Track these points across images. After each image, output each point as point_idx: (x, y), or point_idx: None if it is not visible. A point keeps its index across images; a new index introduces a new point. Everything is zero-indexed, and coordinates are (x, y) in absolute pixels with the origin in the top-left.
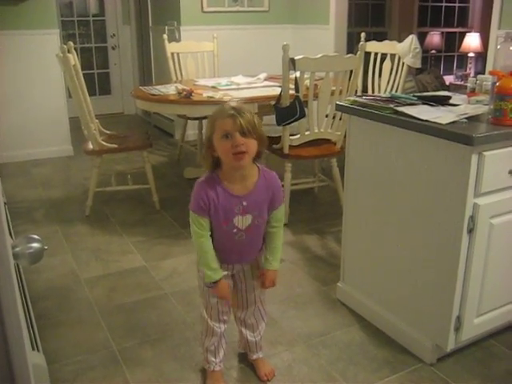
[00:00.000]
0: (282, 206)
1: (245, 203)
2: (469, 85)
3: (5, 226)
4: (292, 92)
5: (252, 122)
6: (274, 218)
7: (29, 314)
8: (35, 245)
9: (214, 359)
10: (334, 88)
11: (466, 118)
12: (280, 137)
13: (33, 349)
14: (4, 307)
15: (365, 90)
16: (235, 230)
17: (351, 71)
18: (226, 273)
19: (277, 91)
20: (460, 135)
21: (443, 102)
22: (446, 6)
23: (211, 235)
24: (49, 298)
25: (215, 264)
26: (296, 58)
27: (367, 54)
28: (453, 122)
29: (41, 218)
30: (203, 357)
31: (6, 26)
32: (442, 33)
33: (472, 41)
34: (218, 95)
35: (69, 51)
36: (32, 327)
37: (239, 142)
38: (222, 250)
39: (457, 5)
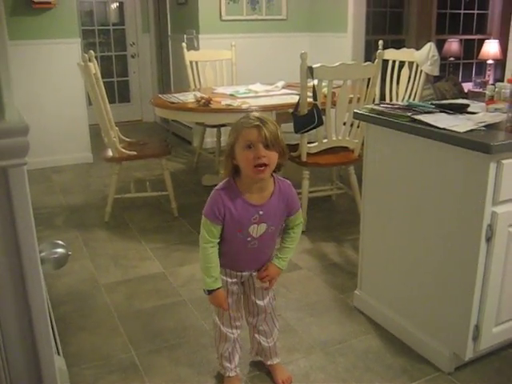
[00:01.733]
0: (300, 211)
1: (261, 212)
2: (487, 92)
3: (34, 234)
4: (310, 100)
5: (276, 135)
6: (293, 222)
7: (50, 318)
8: (60, 250)
9: (228, 365)
10: (351, 96)
11: (484, 126)
12: (298, 144)
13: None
14: (33, 312)
15: (382, 97)
16: (249, 239)
17: (369, 79)
18: (234, 280)
19: (295, 99)
20: (478, 143)
21: (461, 109)
22: (464, 13)
23: (222, 242)
24: (68, 303)
25: (216, 273)
26: (314, 66)
27: (385, 62)
28: (471, 130)
29: (61, 224)
30: (218, 362)
31: (29, 35)
32: (461, 40)
33: (491, 48)
34: (236, 103)
35: (90, 60)
36: (53, 331)
37: (262, 153)
38: (233, 258)
39: (475, 12)
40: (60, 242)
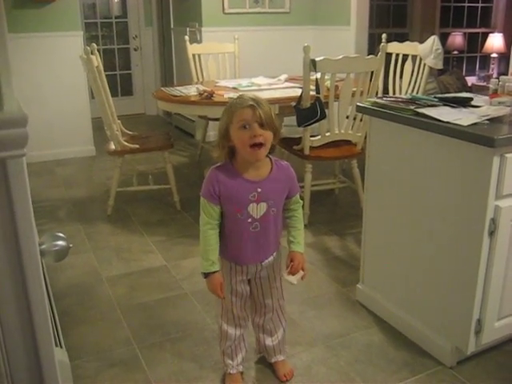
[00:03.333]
0: (298, 194)
1: (259, 190)
2: (491, 86)
3: (34, 226)
4: (313, 93)
5: (269, 114)
6: (293, 203)
7: (52, 310)
8: (60, 242)
9: (230, 362)
10: (354, 89)
11: (487, 120)
12: (300, 138)
13: (56, 345)
14: (33, 304)
15: (386, 91)
16: (250, 220)
17: (372, 72)
18: (239, 278)
19: (297, 92)
20: (481, 137)
21: (465, 103)
22: (468, 6)
23: (225, 227)
24: (71, 296)
25: (213, 256)
26: (317, 59)
27: (388, 55)
28: (474, 124)
29: (64, 217)
30: (221, 358)
31: (31, 28)
32: (465, 33)
33: (495, 41)
34: None
35: (92, 53)
36: (55, 324)
37: (257, 132)
38: (237, 246)
39: (480, 5)
40: (61, 234)
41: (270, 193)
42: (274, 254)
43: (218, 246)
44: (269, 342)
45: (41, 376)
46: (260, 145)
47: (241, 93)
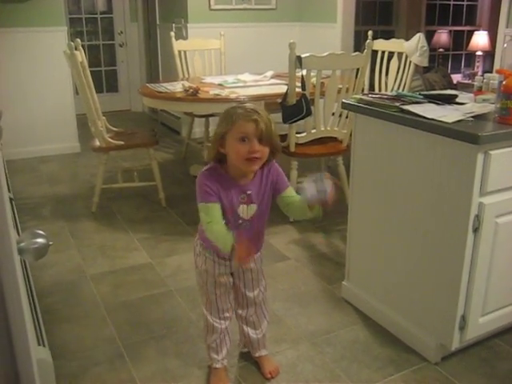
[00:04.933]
0: (290, 187)
1: (249, 192)
2: (476, 83)
3: (9, 221)
4: (298, 90)
5: (270, 129)
6: (289, 198)
7: (35, 309)
8: (40, 240)
9: (216, 356)
10: (340, 86)
11: (472, 117)
12: (286, 135)
13: (38, 344)
14: (8, 302)
15: (371, 88)
16: (240, 221)
17: (358, 69)
18: (222, 270)
19: (283, 89)
20: (466, 134)
21: (449, 100)
22: (454, 4)
23: None
24: (55, 294)
25: (230, 239)
26: (303, 55)
27: (374, 53)
28: (459, 121)
29: (47, 215)
30: (206, 353)
31: (15, 23)
32: (450, 31)
33: (480, 39)
34: (224, 93)
35: (76, 48)
36: (38, 322)
37: (256, 148)
38: None
39: (465, 3)
40: (40, 231)
41: (259, 194)
42: (259, 251)
43: (229, 233)
44: (253, 334)
45: (17, 375)
46: (256, 159)
47: (227, 89)
